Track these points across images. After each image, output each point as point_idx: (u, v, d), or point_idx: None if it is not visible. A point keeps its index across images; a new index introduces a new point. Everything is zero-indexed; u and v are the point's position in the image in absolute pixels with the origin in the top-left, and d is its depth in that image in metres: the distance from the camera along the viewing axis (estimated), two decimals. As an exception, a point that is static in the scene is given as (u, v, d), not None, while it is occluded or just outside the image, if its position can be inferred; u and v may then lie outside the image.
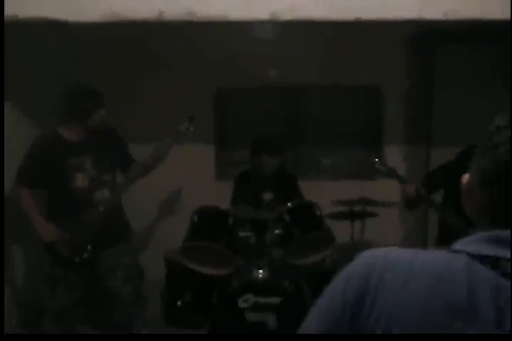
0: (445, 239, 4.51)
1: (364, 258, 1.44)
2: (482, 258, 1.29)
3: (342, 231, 5.17)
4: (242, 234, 4.53)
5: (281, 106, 6.68)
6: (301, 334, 1.47)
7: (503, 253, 1.28)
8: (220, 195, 5.31)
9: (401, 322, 1.29)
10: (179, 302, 4.73)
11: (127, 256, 4.33)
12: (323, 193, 5.54)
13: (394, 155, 6.34)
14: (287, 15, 3.23)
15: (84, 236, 4.10)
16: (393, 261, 1.37)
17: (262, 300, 4.25)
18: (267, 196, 5.20)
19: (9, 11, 3.27)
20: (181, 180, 6.18)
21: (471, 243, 1.36)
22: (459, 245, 1.36)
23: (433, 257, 1.35)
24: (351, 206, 5.24)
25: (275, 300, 4.24)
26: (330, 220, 4.98)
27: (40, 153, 4.10)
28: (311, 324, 1.46)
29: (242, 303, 4.24)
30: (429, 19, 3.23)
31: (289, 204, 4.55)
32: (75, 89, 4.07)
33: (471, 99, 5.90)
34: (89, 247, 4.11)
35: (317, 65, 6.02)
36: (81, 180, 4.11)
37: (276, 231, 4.51)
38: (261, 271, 4.38)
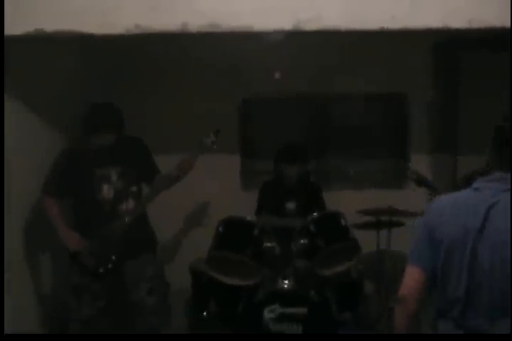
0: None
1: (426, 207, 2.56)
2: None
3: (368, 241, 5.14)
4: (267, 244, 4.51)
5: (306, 115, 6.66)
6: (301, 334, 1.96)
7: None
8: (246, 205, 5.32)
9: (447, 235, 2.35)
10: (205, 313, 4.71)
11: (152, 267, 4.34)
12: (348, 203, 5.53)
13: (420, 164, 6.28)
14: (312, 26, 3.22)
15: (109, 247, 4.12)
16: (441, 201, 2.50)
17: (288, 310, 4.23)
18: (290, 205, 5.20)
19: (35, 24, 3.30)
20: (207, 191, 6.18)
21: (487, 181, 2.42)
22: (478, 184, 2.45)
23: (464, 195, 2.45)
24: (377, 215, 5.20)
25: (301, 310, 4.22)
26: (356, 230, 4.96)
27: (67, 163, 4.16)
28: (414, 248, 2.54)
29: (268, 314, 4.23)
30: (454, 27, 3.21)
31: (314, 214, 4.53)
32: (96, 106, 4.15)
33: (497, 107, 5.84)
34: (113, 258, 4.13)
35: (342, 74, 6.00)
36: (107, 191, 4.15)
37: (302, 241, 4.49)
38: (286, 281, 4.36)
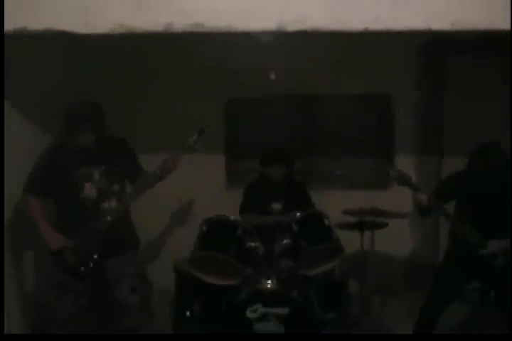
0: (456, 248, 4.50)
1: None
2: None
3: (352, 242, 5.16)
4: (250, 244, 4.51)
5: (292, 115, 6.68)
6: (300, 334, 1.83)
7: None
8: (231, 205, 5.33)
9: None
10: (188, 312, 4.71)
11: (134, 266, 4.33)
12: (334, 203, 5.55)
13: (405, 165, 6.28)
14: (295, 27, 3.22)
15: (91, 246, 4.10)
16: None
17: (271, 310, 4.23)
18: (276, 206, 5.20)
19: (18, 23, 3.28)
20: (192, 190, 6.20)
21: None
22: None
23: None
24: (361, 216, 5.22)
25: (283, 310, 4.22)
26: (340, 230, 4.97)
27: (50, 162, 4.14)
28: None
29: (250, 314, 4.23)
30: (437, 30, 3.22)
31: (297, 213, 4.54)
32: (79, 104, 4.13)
33: (482, 108, 5.88)
34: (95, 256, 4.12)
35: (328, 74, 6.03)
36: (89, 190, 4.15)
37: (285, 241, 4.49)
38: (269, 281, 4.36)
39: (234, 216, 4.62)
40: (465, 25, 3.17)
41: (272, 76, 6.14)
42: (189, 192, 6.19)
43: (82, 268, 4.11)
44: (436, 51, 6.07)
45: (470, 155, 4.41)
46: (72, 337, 4.21)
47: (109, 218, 4.11)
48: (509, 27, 3.11)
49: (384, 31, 3.26)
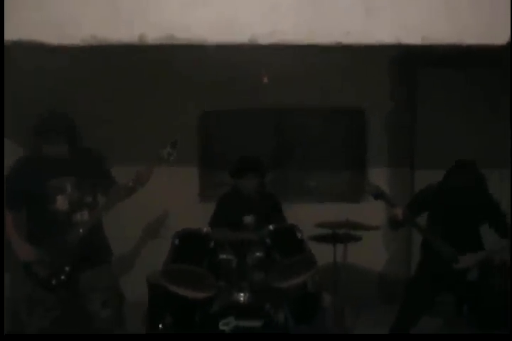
0: (428, 261, 4.53)
1: None
2: None
3: (325, 254, 5.17)
4: (223, 256, 4.51)
5: (266, 128, 6.70)
6: (300, 334, 1.79)
7: None
8: (204, 217, 5.32)
9: None
10: (160, 325, 4.69)
11: (106, 279, 4.31)
12: (308, 215, 5.54)
13: (378, 178, 6.33)
14: (267, 40, 3.24)
15: (63, 258, 4.07)
16: None
17: (243, 323, 4.23)
18: (248, 219, 5.19)
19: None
20: (165, 202, 6.18)
21: None
22: None
23: None
24: (334, 229, 5.23)
25: (256, 323, 4.22)
26: (313, 243, 4.98)
27: (20, 175, 4.12)
28: None
29: (223, 326, 4.22)
30: (407, 43, 3.25)
31: (270, 226, 4.54)
32: (48, 114, 4.10)
33: (455, 121, 5.95)
34: (66, 269, 4.09)
35: (301, 88, 6.06)
36: (61, 202, 4.12)
37: (258, 253, 4.51)
38: (242, 294, 4.36)
39: (206, 228, 4.62)
40: (435, 40, 3.21)
41: (265, 79, 6.15)
42: (162, 203, 6.17)
43: (54, 281, 4.08)
44: (407, 65, 6.13)
45: (448, 169, 4.46)
46: (73, 337, 4.17)
47: (81, 230, 4.09)
48: (477, 41, 3.15)
49: (355, 45, 3.28)
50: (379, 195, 4.43)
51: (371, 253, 6.08)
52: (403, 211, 4.34)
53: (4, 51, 3.57)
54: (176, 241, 4.46)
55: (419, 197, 4.78)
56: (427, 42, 3.24)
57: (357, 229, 5.19)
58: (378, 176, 6.30)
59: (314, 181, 6.58)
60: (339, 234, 5.24)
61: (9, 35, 3.32)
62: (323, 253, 4.87)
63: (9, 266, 4.80)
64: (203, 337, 4.27)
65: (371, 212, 5.11)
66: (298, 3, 3.19)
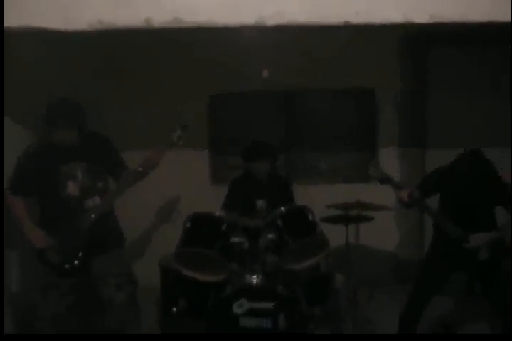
0: (440, 241, 4.52)
1: None
2: None
3: (337, 235, 5.17)
4: (235, 239, 4.51)
5: (275, 110, 6.69)
6: (300, 334, 1.79)
7: None
8: (215, 200, 5.34)
9: None
10: (174, 309, 4.70)
11: (119, 264, 4.31)
12: (319, 197, 5.56)
13: (389, 158, 6.35)
14: (274, 21, 3.22)
15: (75, 244, 4.08)
16: None
17: (257, 305, 4.24)
18: (260, 203, 5.20)
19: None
20: (177, 185, 6.20)
21: None
22: None
23: None
24: (346, 210, 5.22)
25: (269, 305, 4.24)
26: (325, 224, 4.98)
27: (31, 161, 4.11)
28: None
29: (236, 309, 4.24)
30: (416, 22, 3.23)
31: (281, 208, 4.54)
32: (57, 101, 4.10)
33: (465, 101, 5.91)
34: (80, 254, 4.10)
35: (310, 69, 6.04)
36: (72, 188, 4.12)
37: (270, 236, 4.50)
38: (255, 276, 4.37)
39: (218, 212, 4.63)
40: (443, 18, 3.18)
41: (265, 73, 6.13)
42: (174, 188, 6.19)
43: (67, 266, 4.10)
44: (416, 43, 6.09)
45: (455, 159, 4.45)
46: (72, 337, 4.20)
47: (92, 216, 4.10)
48: (487, 19, 3.13)
49: (364, 24, 3.26)
50: (384, 180, 4.42)
51: (383, 234, 6.09)
52: (409, 193, 4.32)
53: (9, 37, 3.57)
54: (188, 225, 4.46)
55: (429, 179, 4.77)
56: (435, 20, 3.21)
57: (368, 210, 5.19)
58: (389, 157, 6.31)
59: (325, 162, 6.56)
60: (351, 215, 5.23)
61: (12, 21, 3.32)
62: (335, 235, 4.88)
63: (16, 260, 4.85)
64: (204, 336, 4.33)
65: (382, 193, 5.08)
66: (304, -16, 3.17)
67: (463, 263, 4.42)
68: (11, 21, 3.31)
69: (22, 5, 3.31)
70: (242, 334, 4.22)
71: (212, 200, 5.33)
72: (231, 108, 6.67)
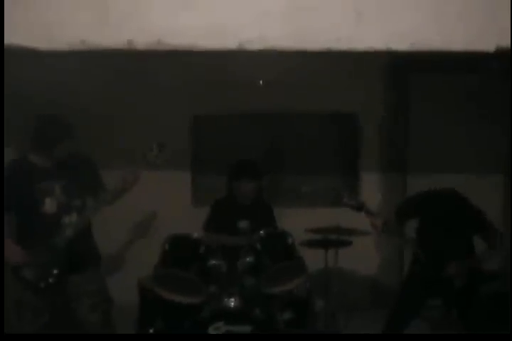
0: (418, 267, 4.54)
1: None
2: None
3: (317, 259, 5.17)
4: (213, 262, 4.50)
5: (258, 133, 6.70)
6: (300, 334, 1.84)
7: None
8: (196, 221, 5.30)
9: None
10: (151, 330, 4.67)
11: (94, 282, 4.29)
12: (300, 220, 5.55)
13: (370, 183, 6.37)
14: (256, 45, 3.24)
15: (51, 261, 4.06)
16: None
17: (233, 328, 4.22)
18: (243, 224, 5.18)
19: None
20: (158, 206, 6.18)
21: None
22: None
23: None
24: (325, 234, 5.23)
25: (246, 328, 4.21)
26: (304, 248, 4.98)
27: (9, 178, 4.10)
28: None
29: (213, 331, 4.21)
30: (397, 50, 3.25)
31: (260, 232, 4.54)
32: (41, 119, 4.11)
33: (447, 126, 5.96)
34: (55, 271, 4.07)
35: (292, 93, 6.06)
36: (50, 205, 4.11)
37: (248, 259, 4.48)
38: (232, 299, 4.35)
39: (197, 233, 4.62)
40: (424, 46, 3.21)
41: (261, 82, 6.15)
42: (155, 208, 6.17)
43: (42, 284, 4.07)
44: (398, 70, 6.15)
45: (427, 196, 4.53)
46: (72, 337, 4.16)
47: (69, 233, 4.08)
48: (465, 48, 3.16)
49: (346, 51, 3.28)
50: (359, 208, 4.44)
51: (363, 259, 6.09)
52: (383, 222, 4.35)
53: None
54: (166, 246, 4.45)
55: (406, 206, 4.81)
56: (416, 48, 3.24)
57: (348, 235, 5.20)
58: (371, 181, 6.33)
59: (305, 186, 6.57)
60: (330, 240, 5.24)
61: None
62: (314, 259, 4.88)
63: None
64: (199, 337, 4.27)
65: (363, 218, 5.09)
66: (287, 9, 3.18)
67: (440, 289, 4.43)
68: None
69: (6, 21, 3.31)
70: (240, 335, 4.20)
71: (193, 221, 5.30)
72: (214, 130, 6.67)
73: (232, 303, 4.35)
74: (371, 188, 5.83)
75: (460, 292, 4.39)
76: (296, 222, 5.42)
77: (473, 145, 6.04)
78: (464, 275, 4.34)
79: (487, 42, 3.15)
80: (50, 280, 4.08)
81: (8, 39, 3.30)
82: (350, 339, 4.70)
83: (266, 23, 3.20)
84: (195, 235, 4.54)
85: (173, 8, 3.21)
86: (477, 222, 4.51)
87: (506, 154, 5.88)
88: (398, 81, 6.31)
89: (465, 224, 4.47)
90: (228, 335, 4.19)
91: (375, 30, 3.26)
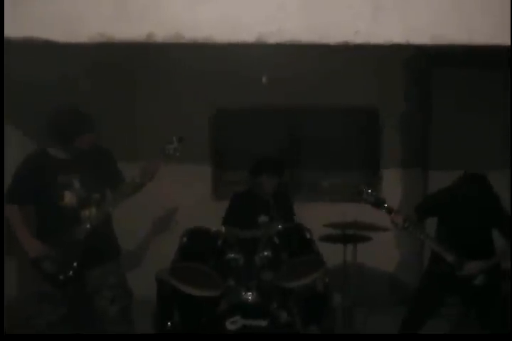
0: (436, 265, 4.50)
1: None
2: None
3: (335, 254, 5.16)
4: (231, 255, 4.50)
5: (278, 127, 6.69)
6: (300, 334, 1.84)
7: None
8: (216, 214, 5.31)
9: None
10: (169, 323, 4.69)
11: (114, 276, 4.30)
12: (319, 215, 5.54)
13: (391, 179, 6.34)
14: (274, 39, 3.23)
15: (71, 254, 4.08)
16: None
17: (250, 322, 4.22)
18: (263, 219, 5.17)
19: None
20: (178, 199, 6.20)
21: None
22: None
23: None
24: (344, 229, 5.21)
25: (263, 322, 4.22)
26: (323, 243, 4.97)
27: (29, 171, 4.13)
28: None
29: (229, 325, 4.22)
30: (416, 43, 3.23)
31: (279, 226, 4.54)
32: (62, 111, 4.12)
33: (469, 122, 5.91)
34: (74, 265, 4.09)
35: (311, 87, 6.04)
36: (69, 198, 4.13)
37: (266, 253, 4.48)
38: (249, 293, 4.35)
39: (216, 227, 4.62)
40: (443, 40, 3.19)
41: (264, 79, 6.13)
42: (173, 200, 6.18)
43: (61, 277, 4.09)
44: (420, 64, 6.10)
45: (458, 181, 4.45)
46: (72, 337, 4.18)
47: (88, 226, 4.10)
48: (485, 41, 3.13)
49: (363, 45, 3.26)
50: (378, 204, 4.39)
51: (382, 254, 6.06)
52: (403, 218, 4.31)
53: (9, 47, 3.58)
54: (184, 239, 4.47)
55: (426, 202, 4.78)
56: (436, 42, 3.22)
57: (367, 230, 5.18)
58: (391, 177, 6.29)
59: (326, 181, 6.56)
60: (349, 235, 5.22)
61: (13, 32, 3.33)
62: (333, 253, 4.86)
63: (15, 264, 4.84)
64: (206, 337, 4.28)
65: (382, 213, 5.07)
66: (305, 2, 3.18)
67: (458, 288, 4.40)
68: (13, 32, 3.33)
69: (25, 16, 3.33)
70: (241, 334, 4.20)
71: (212, 215, 5.31)
72: (235, 124, 6.69)
73: (250, 297, 4.36)
74: (392, 184, 5.78)
75: (479, 291, 4.36)
76: (316, 216, 5.42)
77: (495, 141, 5.98)
78: (483, 274, 4.31)
79: (507, 36, 3.13)
80: (70, 273, 4.10)
81: (28, 32, 3.33)
82: (350, 339, 4.70)
83: (283, 17, 3.20)
84: (214, 229, 4.55)
85: (191, 2, 3.22)
86: (498, 214, 4.45)
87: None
88: (420, 76, 6.26)
89: (485, 216, 4.40)
90: (227, 335, 4.20)
91: (394, 23, 3.24)
